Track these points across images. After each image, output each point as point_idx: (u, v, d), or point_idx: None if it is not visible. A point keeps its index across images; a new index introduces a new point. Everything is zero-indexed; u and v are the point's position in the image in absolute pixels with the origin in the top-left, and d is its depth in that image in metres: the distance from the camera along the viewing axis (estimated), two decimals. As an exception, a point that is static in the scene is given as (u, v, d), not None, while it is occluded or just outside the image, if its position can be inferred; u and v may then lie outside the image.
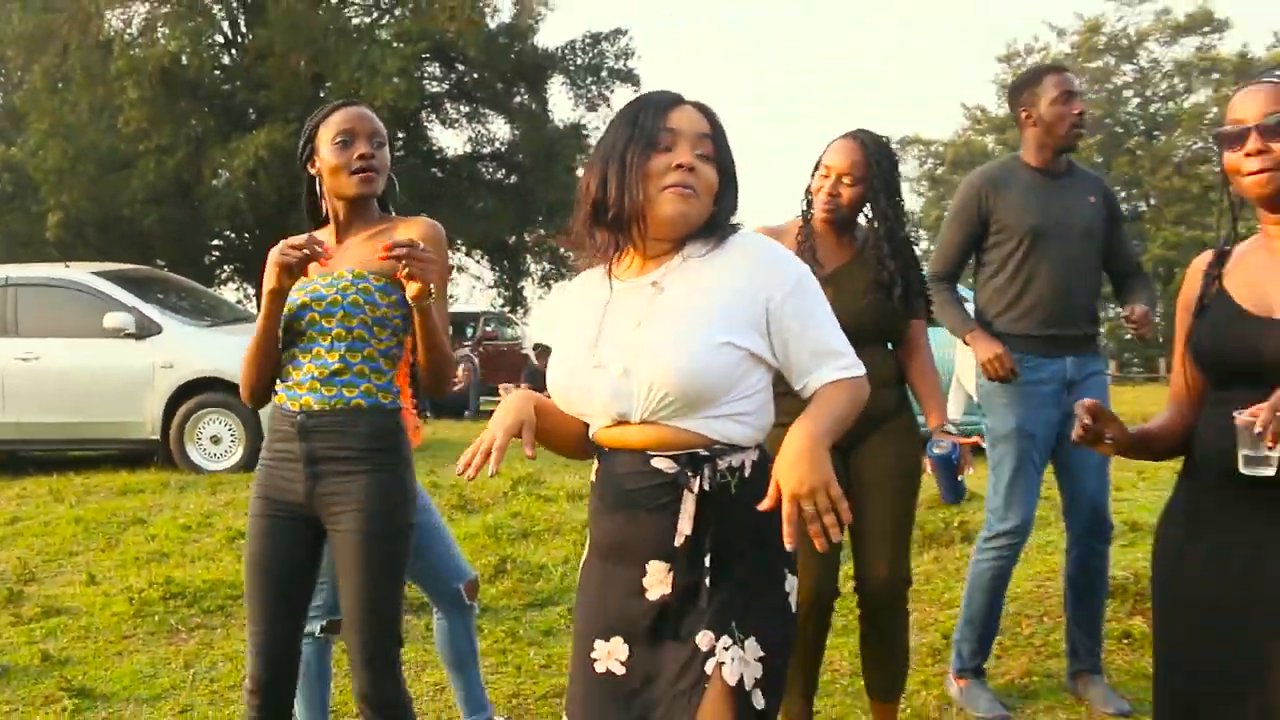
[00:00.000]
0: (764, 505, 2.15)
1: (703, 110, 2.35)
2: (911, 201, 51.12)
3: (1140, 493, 8.02)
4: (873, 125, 3.76)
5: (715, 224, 2.35)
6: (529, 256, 31.30)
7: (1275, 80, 2.32)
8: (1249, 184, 2.32)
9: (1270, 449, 2.09)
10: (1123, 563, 5.89)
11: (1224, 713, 2.31)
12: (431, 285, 2.80)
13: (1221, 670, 2.32)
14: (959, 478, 3.53)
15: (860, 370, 2.34)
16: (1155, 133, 45.27)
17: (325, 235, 3.09)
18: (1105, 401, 4.15)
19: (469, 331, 22.20)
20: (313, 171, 3.08)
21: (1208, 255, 2.48)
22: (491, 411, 11.51)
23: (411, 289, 2.81)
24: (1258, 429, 2.08)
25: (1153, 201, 44.53)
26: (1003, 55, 44.01)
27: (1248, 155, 2.30)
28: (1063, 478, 4.37)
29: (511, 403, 2.33)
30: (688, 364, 2.22)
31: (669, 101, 2.34)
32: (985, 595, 4.33)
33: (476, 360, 18.76)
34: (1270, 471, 2.12)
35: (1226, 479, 2.27)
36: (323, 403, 2.94)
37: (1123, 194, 44.25)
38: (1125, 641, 4.91)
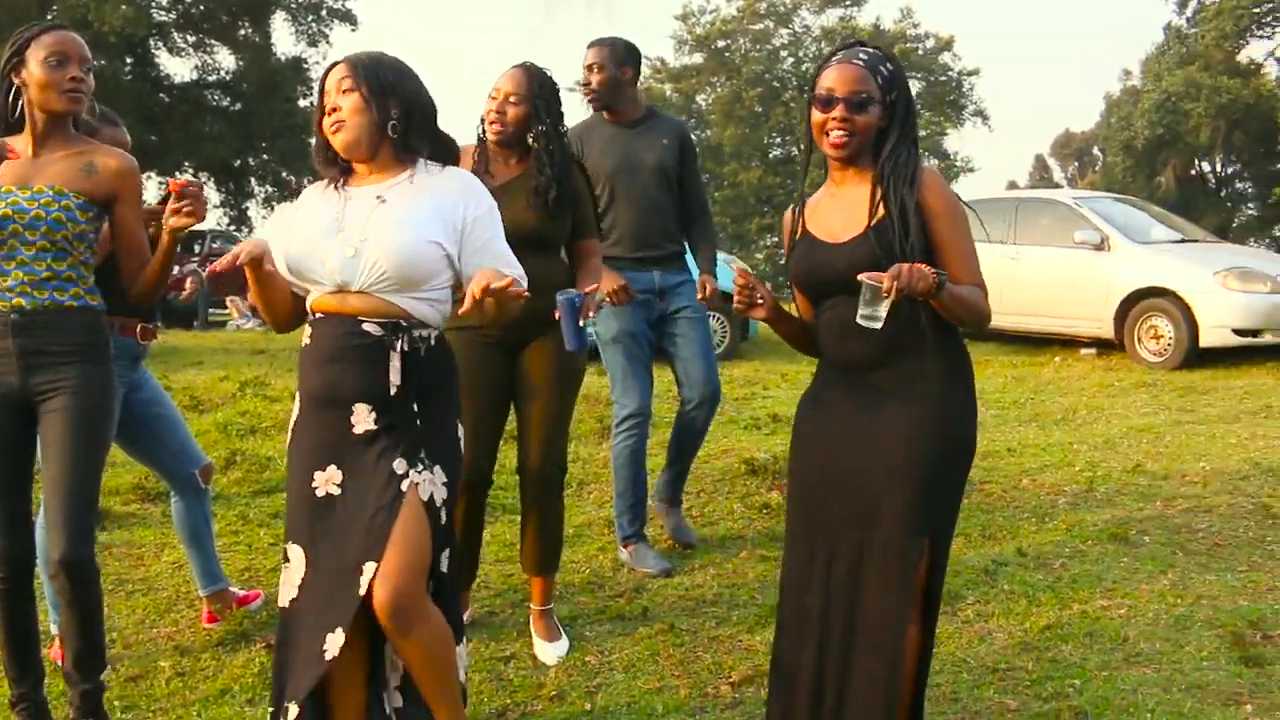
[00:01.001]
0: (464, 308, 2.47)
1: (346, 63, 2.65)
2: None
3: (783, 391, 8.56)
4: (561, 69, 3.82)
5: (404, 146, 2.66)
6: (254, 179, 30.04)
7: (862, 62, 2.58)
8: (830, 142, 2.60)
9: (885, 299, 2.37)
10: (764, 447, 6.34)
11: (825, 555, 2.63)
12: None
13: (826, 523, 2.63)
14: (581, 324, 3.40)
15: (523, 281, 2.60)
16: (805, 87, 47.03)
17: (19, 142, 3.00)
18: (690, 300, 4.49)
19: (196, 248, 21.15)
20: (15, 82, 2.97)
21: (792, 208, 2.78)
22: (219, 323, 11.18)
23: (180, 222, 2.82)
24: (884, 286, 2.36)
25: (803, 146, 46.36)
26: (679, 14, 44.59)
27: (833, 120, 2.58)
28: (673, 364, 4.67)
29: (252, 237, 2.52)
30: (406, 250, 2.54)
31: (333, 64, 2.67)
32: (627, 470, 4.58)
33: (204, 275, 17.95)
34: (878, 325, 2.40)
35: (835, 372, 2.66)
36: (34, 304, 2.90)
37: (779, 140, 45.97)
38: (764, 511, 5.26)
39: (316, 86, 2.72)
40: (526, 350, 3.70)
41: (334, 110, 2.62)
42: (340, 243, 2.57)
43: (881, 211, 2.56)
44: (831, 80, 2.59)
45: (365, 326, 2.57)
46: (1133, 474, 5.84)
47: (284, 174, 28.50)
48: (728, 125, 41.24)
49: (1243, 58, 38.31)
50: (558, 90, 3.73)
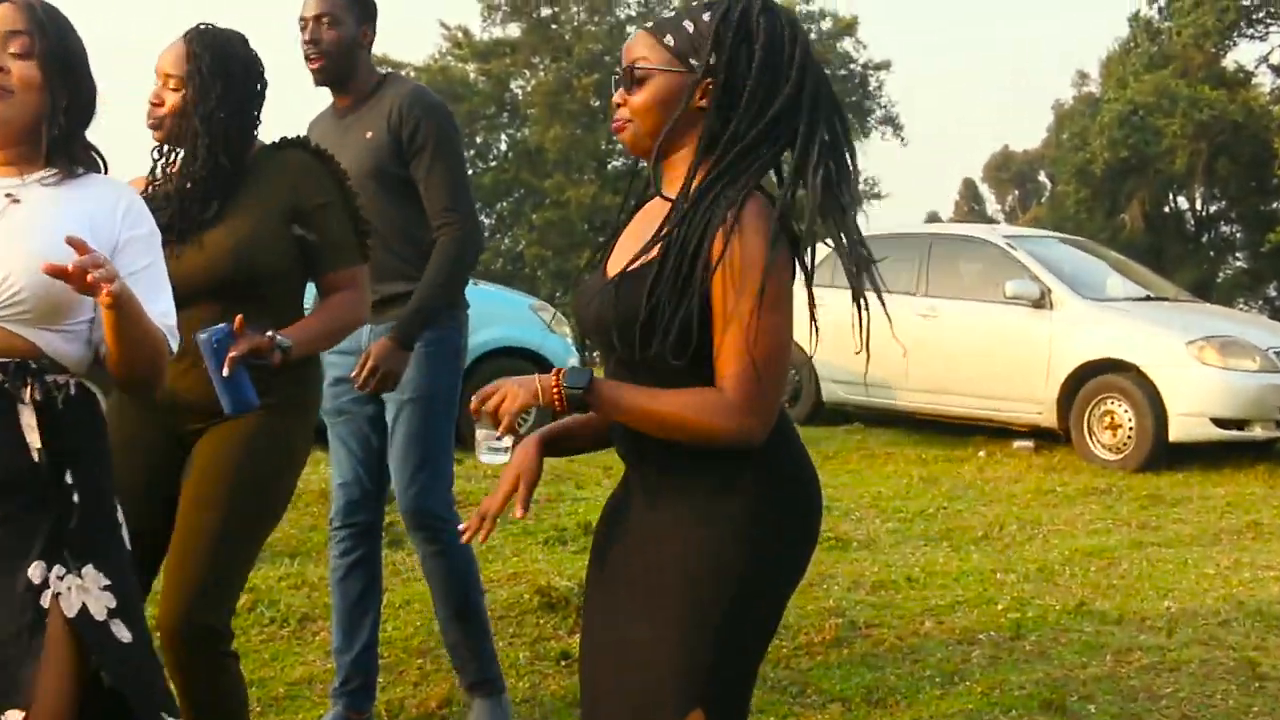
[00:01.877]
0: None
1: (19, 6, 2.67)
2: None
3: (603, 490, 8.43)
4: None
5: (62, 148, 2.73)
6: None
7: (648, 27, 2.62)
8: (615, 124, 2.64)
9: (494, 440, 2.54)
10: (567, 570, 6.19)
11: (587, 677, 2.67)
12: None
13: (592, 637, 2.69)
14: (226, 372, 3.19)
15: (175, 334, 2.72)
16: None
17: None
18: (414, 371, 4.33)
19: None
20: None
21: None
22: None
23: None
24: (487, 409, 2.44)
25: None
26: (491, -32, 44.88)
27: (615, 102, 2.60)
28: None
29: None
30: (44, 285, 2.52)
31: None
32: (341, 603, 4.58)
33: None
34: (495, 459, 2.53)
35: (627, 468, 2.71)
36: None
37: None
38: (564, 664, 5.12)
39: None
40: (200, 440, 3.54)
41: None
42: None
43: (656, 250, 2.50)
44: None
45: None
46: (1075, 616, 5.89)
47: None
48: (552, 123, 41.48)
49: (1228, 62, 40.32)
50: (249, 62, 3.60)
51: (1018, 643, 5.51)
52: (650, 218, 2.60)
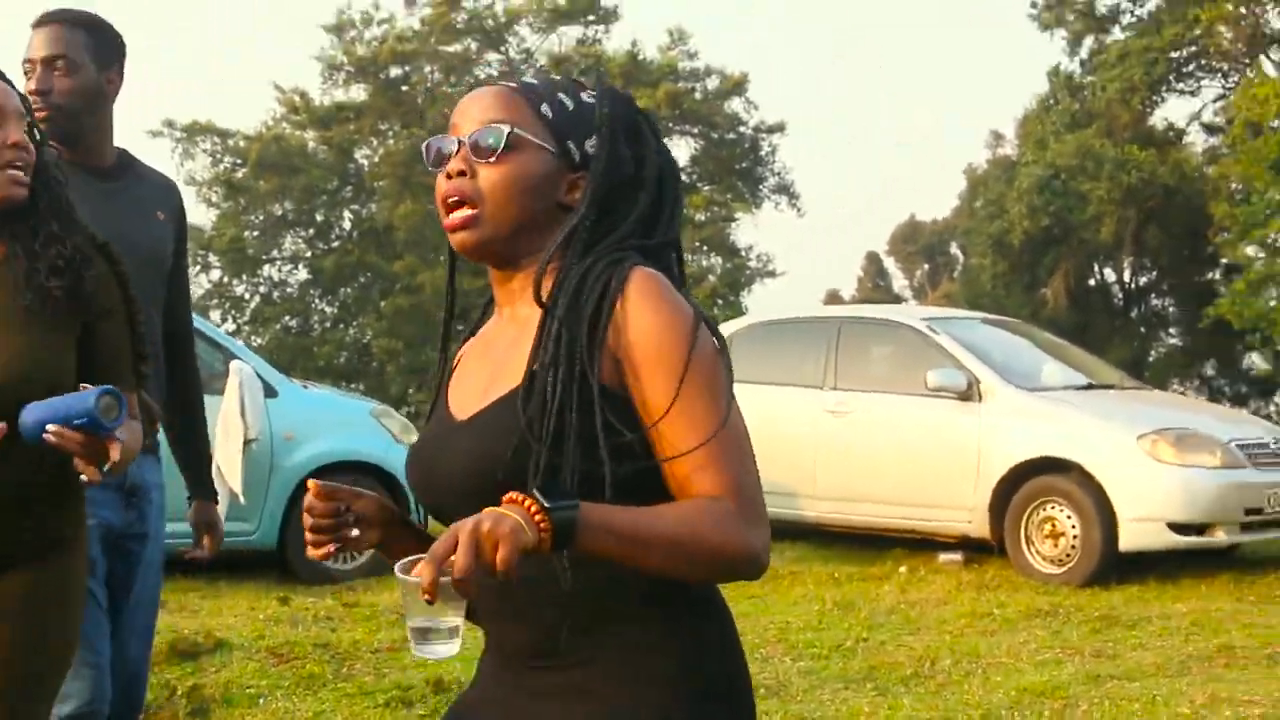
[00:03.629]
0: None
1: None
2: (198, 214, 50.80)
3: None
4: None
5: None
6: None
7: (508, 85, 2.41)
8: (449, 212, 2.36)
9: (449, 615, 2.00)
10: None
11: None
12: None
13: None
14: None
15: None
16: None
17: None
18: (154, 522, 4.27)
19: None
20: None
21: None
22: None
23: None
24: (423, 588, 1.94)
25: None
26: (331, 25, 44.89)
27: (451, 174, 2.35)
28: None
29: None
30: None
31: None
32: None
33: None
34: (450, 651, 2.03)
35: (491, 665, 2.42)
36: None
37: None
38: None
39: None
40: None
41: None
42: None
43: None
44: (454, 115, 2.43)
45: None
46: None
47: None
48: (403, 198, 41.36)
49: (1157, 120, 41.24)
50: None
51: None
52: (497, 342, 2.40)
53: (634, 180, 2.38)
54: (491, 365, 2.37)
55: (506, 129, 2.30)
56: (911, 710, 6.80)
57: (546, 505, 1.98)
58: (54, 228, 3.35)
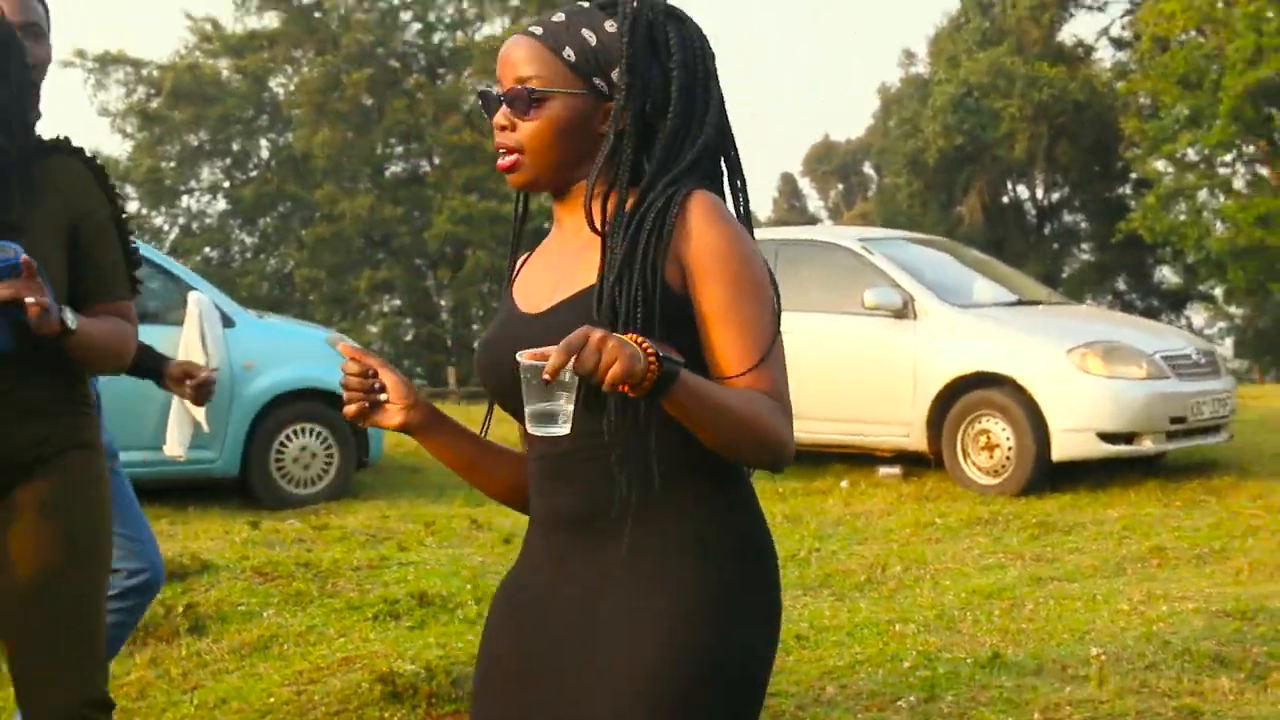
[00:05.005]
0: None
1: None
2: (113, 145, 50.30)
3: (430, 552, 8.30)
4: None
5: None
6: None
7: (538, 33, 2.55)
8: (502, 161, 2.56)
9: (561, 389, 2.21)
10: (408, 650, 6.06)
11: None
12: None
13: None
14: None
15: None
16: (440, 70, 47.70)
17: None
18: None
19: None
20: None
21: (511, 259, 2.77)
22: None
23: None
24: (547, 366, 2.17)
25: (436, 160, 46.91)
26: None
27: (498, 127, 2.54)
28: None
29: None
30: None
31: None
32: None
33: None
34: (561, 430, 2.25)
35: (541, 538, 2.61)
36: None
37: (400, 149, 46.23)
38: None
39: None
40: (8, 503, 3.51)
41: None
42: None
43: (598, 270, 2.50)
44: (498, 63, 2.60)
45: None
46: (991, 669, 5.96)
47: None
48: (319, 125, 41.21)
49: (1065, 36, 41.62)
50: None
51: (933, 705, 5.55)
52: (562, 253, 2.60)
53: (665, 97, 2.54)
54: (557, 271, 2.58)
55: (532, 88, 2.51)
56: (870, 613, 7.04)
57: (660, 354, 2.21)
58: None
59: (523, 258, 2.75)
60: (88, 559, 3.60)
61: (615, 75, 2.53)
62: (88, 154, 3.63)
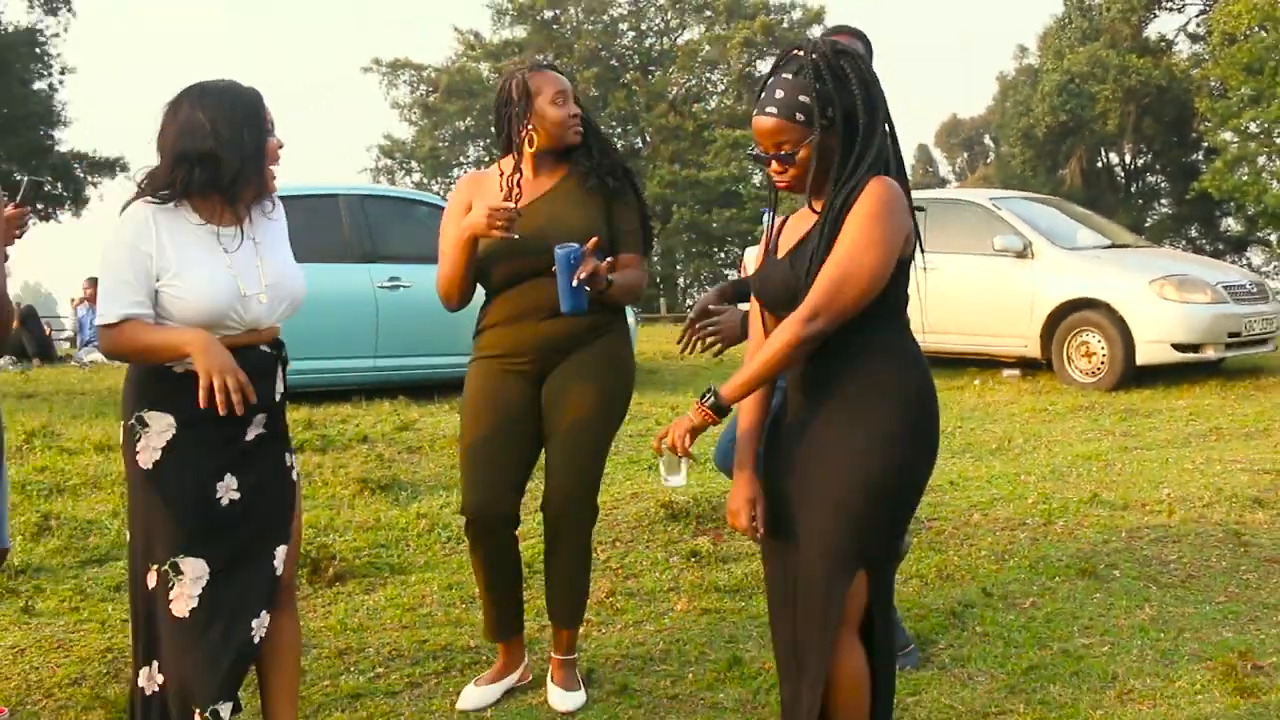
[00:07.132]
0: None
1: None
2: (402, 131, 51.11)
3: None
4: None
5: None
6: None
7: (774, 112, 2.91)
8: (780, 184, 3.03)
9: (680, 459, 3.05)
10: (680, 489, 6.65)
11: (782, 584, 3.09)
12: None
13: (777, 549, 3.11)
14: (573, 283, 3.73)
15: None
16: (651, 68, 47.87)
17: None
18: None
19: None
20: None
21: (768, 214, 3.25)
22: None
23: None
24: (678, 452, 3.01)
25: (649, 138, 47.16)
26: (497, -21, 44.84)
27: (773, 171, 2.99)
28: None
29: None
30: (300, 287, 3.41)
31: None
32: None
33: None
34: (681, 481, 3.12)
35: (790, 395, 3.11)
36: None
37: (619, 130, 46.57)
38: (694, 560, 5.61)
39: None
40: (555, 376, 4.02)
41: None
42: (244, 291, 3.26)
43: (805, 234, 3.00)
44: (757, 135, 2.98)
45: (263, 348, 3.36)
46: (1091, 505, 6.37)
47: (16, 175, 27.72)
48: (560, 113, 41.52)
49: (1151, 33, 40.48)
50: None
51: (1050, 527, 5.98)
52: (802, 222, 3.06)
53: (854, 110, 2.87)
54: (798, 231, 3.03)
55: (784, 143, 2.90)
56: (1002, 469, 7.45)
57: (701, 400, 2.95)
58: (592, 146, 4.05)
59: (780, 219, 3.15)
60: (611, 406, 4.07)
61: (830, 112, 2.88)
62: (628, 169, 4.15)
